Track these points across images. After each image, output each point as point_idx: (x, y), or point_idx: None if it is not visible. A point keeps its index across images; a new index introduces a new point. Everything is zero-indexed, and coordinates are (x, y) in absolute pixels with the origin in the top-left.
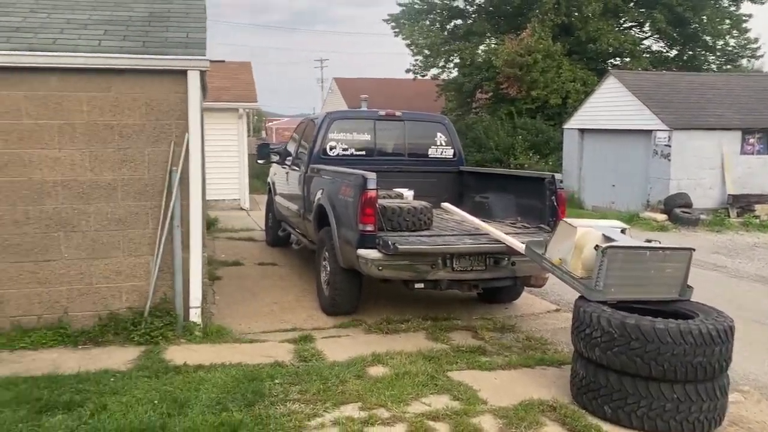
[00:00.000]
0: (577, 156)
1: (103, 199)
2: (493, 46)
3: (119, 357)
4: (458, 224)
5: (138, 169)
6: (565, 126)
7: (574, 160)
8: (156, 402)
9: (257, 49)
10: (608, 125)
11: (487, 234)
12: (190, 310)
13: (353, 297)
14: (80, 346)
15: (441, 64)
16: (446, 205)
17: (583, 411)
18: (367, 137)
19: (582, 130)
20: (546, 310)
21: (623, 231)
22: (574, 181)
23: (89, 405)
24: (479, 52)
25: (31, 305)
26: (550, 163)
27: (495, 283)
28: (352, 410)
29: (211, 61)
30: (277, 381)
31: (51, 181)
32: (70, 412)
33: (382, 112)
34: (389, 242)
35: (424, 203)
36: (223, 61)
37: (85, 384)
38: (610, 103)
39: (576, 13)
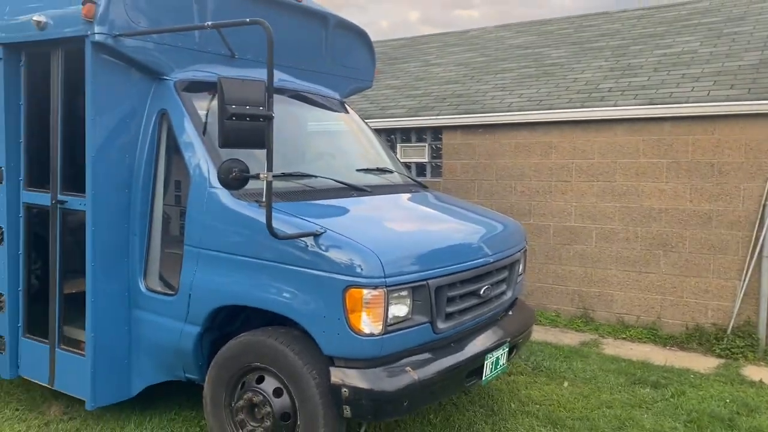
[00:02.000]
0: None
1: (698, 226)
2: None
3: (700, 362)
4: None
5: (732, 202)
6: None
7: None
8: (727, 401)
9: None
10: None
11: None
12: None
13: None
14: (667, 347)
15: None
16: None
17: None
18: None
19: None
20: None
21: None
22: None
23: (671, 388)
24: None
25: (632, 306)
26: None
27: None
28: None
29: None
30: None
31: (657, 208)
32: (656, 389)
33: None
34: None
35: None
36: None
37: (668, 374)
38: None
39: None
